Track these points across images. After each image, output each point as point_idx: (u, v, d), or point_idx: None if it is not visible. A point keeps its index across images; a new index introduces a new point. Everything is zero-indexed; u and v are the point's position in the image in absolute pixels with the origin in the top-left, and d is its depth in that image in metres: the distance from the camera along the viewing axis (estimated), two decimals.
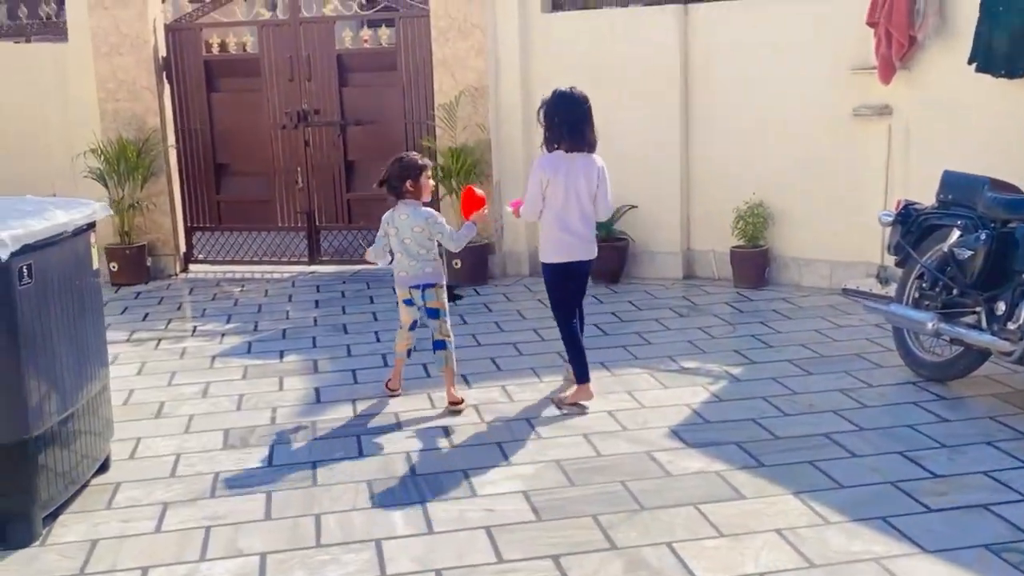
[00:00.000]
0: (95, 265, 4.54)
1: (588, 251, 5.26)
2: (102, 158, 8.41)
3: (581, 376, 5.25)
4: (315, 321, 7.17)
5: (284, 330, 6.94)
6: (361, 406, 5.37)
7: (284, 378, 5.87)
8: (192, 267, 9.11)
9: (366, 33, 8.92)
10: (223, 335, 6.86)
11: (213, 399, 5.56)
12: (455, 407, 5.24)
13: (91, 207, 4.47)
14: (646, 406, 5.23)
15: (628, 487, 4.27)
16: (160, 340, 6.78)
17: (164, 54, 8.79)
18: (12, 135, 8.77)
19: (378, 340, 6.59)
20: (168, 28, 8.82)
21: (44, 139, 8.77)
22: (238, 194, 9.03)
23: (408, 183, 5.25)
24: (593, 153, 5.23)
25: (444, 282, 5.36)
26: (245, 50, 8.98)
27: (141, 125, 8.64)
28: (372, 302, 7.66)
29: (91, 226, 4.48)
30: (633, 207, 7.97)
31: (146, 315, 7.51)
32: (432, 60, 8.22)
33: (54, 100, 8.72)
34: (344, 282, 8.40)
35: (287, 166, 8.79)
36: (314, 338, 6.70)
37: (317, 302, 7.74)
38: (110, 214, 4.61)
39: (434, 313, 5.30)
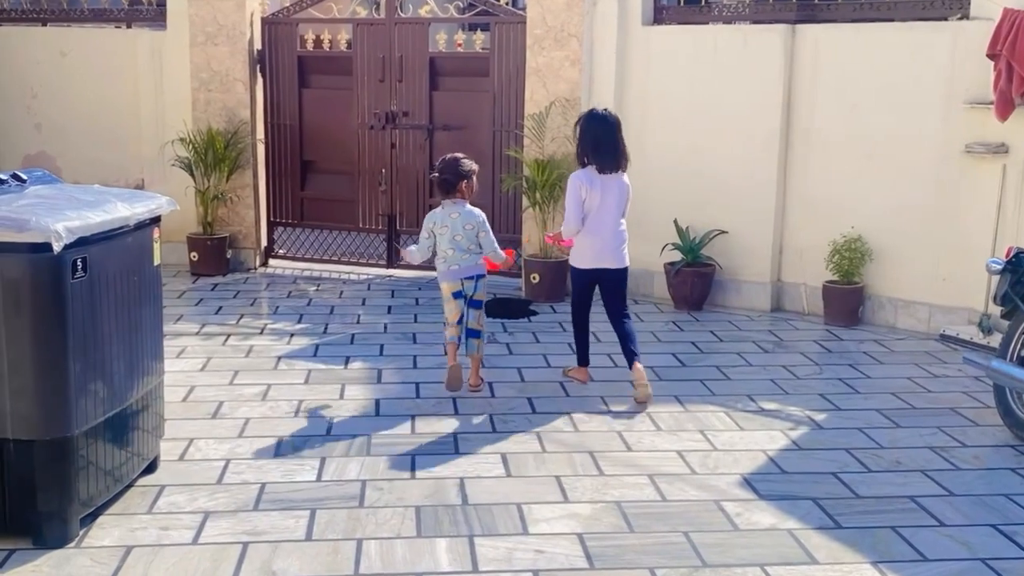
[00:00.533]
0: (157, 260, 4.42)
1: (618, 259, 5.72)
2: (191, 147, 8.42)
3: (581, 359, 5.87)
4: (385, 328, 7.01)
5: (353, 335, 6.80)
6: (420, 423, 5.17)
7: (346, 386, 5.71)
8: (272, 262, 9.06)
9: (460, 37, 8.76)
10: (292, 335, 6.75)
11: (272, 402, 5.43)
12: (475, 389, 5.65)
13: (157, 201, 4.35)
14: (719, 448, 4.91)
15: (691, 539, 3.97)
16: (229, 336, 6.70)
17: (259, 47, 8.77)
18: (106, 120, 8.85)
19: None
20: (265, 21, 8.79)
21: (137, 125, 8.83)
22: (322, 192, 8.95)
23: (463, 183, 5.66)
24: (623, 173, 5.68)
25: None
26: (339, 47, 8.90)
27: (232, 117, 8.63)
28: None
29: (155, 220, 4.36)
30: (723, 232, 7.63)
31: (219, 308, 7.45)
32: (525, 68, 8.02)
33: (149, 87, 8.77)
34: (420, 288, 8.24)
35: (372, 167, 8.68)
36: (382, 346, 6.55)
37: (390, 308, 7.60)
38: (176, 208, 4.48)
39: (478, 304, 5.69)
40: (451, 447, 4.87)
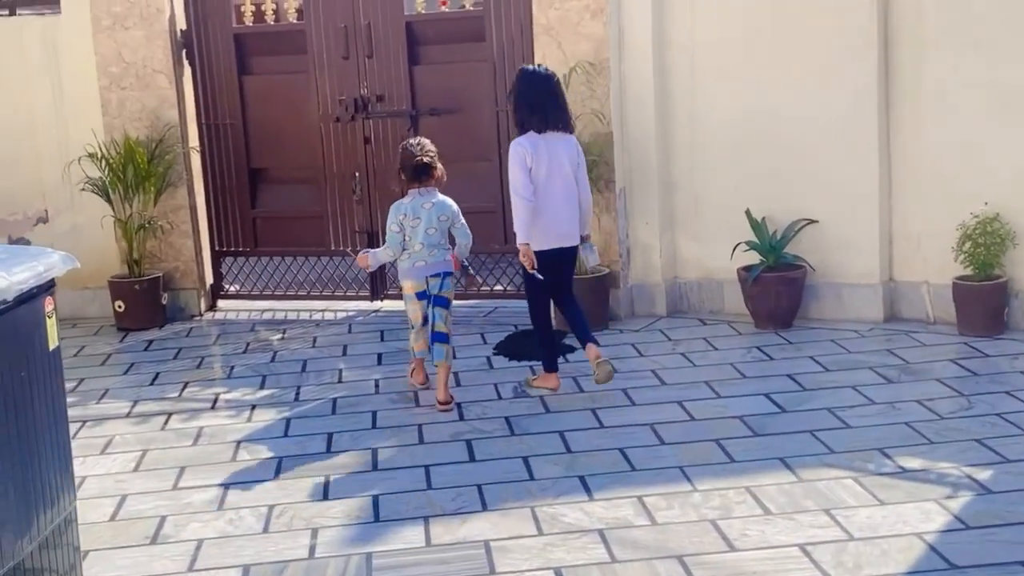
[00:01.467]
0: (54, 342, 3.80)
1: (574, 237, 5.99)
2: (104, 165, 7.81)
3: (549, 365, 6.13)
4: (376, 386, 6.39)
5: (334, 400, 6.18)
6: (437, 527, 4.54)
7: (331, 479, 5.09)
8: (221, 304, 8.46)
9: None
10: (253, 407, 6.13)
11: (232, 513, 4.80)
12: (444, 407, 5.88)
13: (45, 259, 3.75)
14: (856, 536, 4.27)
15: None
16: (170, 416, 6.08)
17: (183, 27, 8.17)
18: None
19: (462, 418, 5.78)
20: None
21: (32, 141, 8.23)
22: (279, 208, 8.33)
23: (439, 169, 5.98)
24: (570, 133, 6.01)
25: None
26: (287, 20, 8.28)
27: (154, 121, 8.02)
28: (454, 356, 6.85)
29: (47, 287, 3.75)
30: (811, 222, 7.02)
31: (156, 376, 6.84)
32: (532, 26, 7.40)
33: (44, 90, 8.17)
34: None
35: (342, 171, 8.07)
36: (374, 414, 5.92)
37: (380, 357, 6.97)
38: (75, 265, 3.89)
39: (444, 302, 5.99)
40: (484, 563, 4.23)
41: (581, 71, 7.24)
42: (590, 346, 5.92)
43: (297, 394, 6.33)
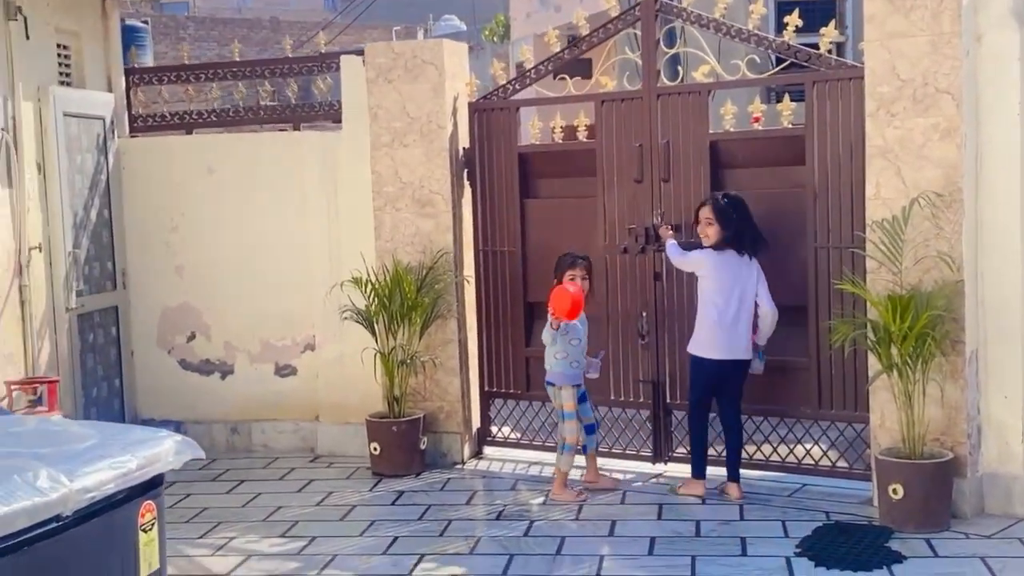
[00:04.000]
0: (150, 566, 2.61)
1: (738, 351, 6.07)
2: (369, 291, 6.84)
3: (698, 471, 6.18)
4: None
5: None
6: None
7: None
8: (487, 451, 7.25)
9: (758, 108, 6.68)
10: None
11: None
12: (555, 498, 6.24)
13: (150, 449, 2.61)
14: None
15: None
16: None
17: (465, 145, 7.17)
18: (266, 257, 7.51)
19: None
20: (473, 108, 7.17)
21: (305, 263, 7.42)
22: None
23: (555, 281, 6.34)
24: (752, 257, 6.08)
25: (564, 383, 6.29)
26: (575, 138, 7.09)
27: (427, 245, 7.01)
28: (744, 552, 5.25)
29: (146, 489, 2.59)
30: None
31: (392, 542, 5.63)
32: (865, 148, 5.83)
33: (318, 210, 7.36)
34: (703, 501, 6.07)
35: (627, 309, 6.71)
36: None
37: (652, 543, 5.46)
38: (201, 456, 2.77)
39: (560, 415, 6.37)
40: None
41: (925, 203, 5.59)
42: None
43: None
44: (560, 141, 7.07)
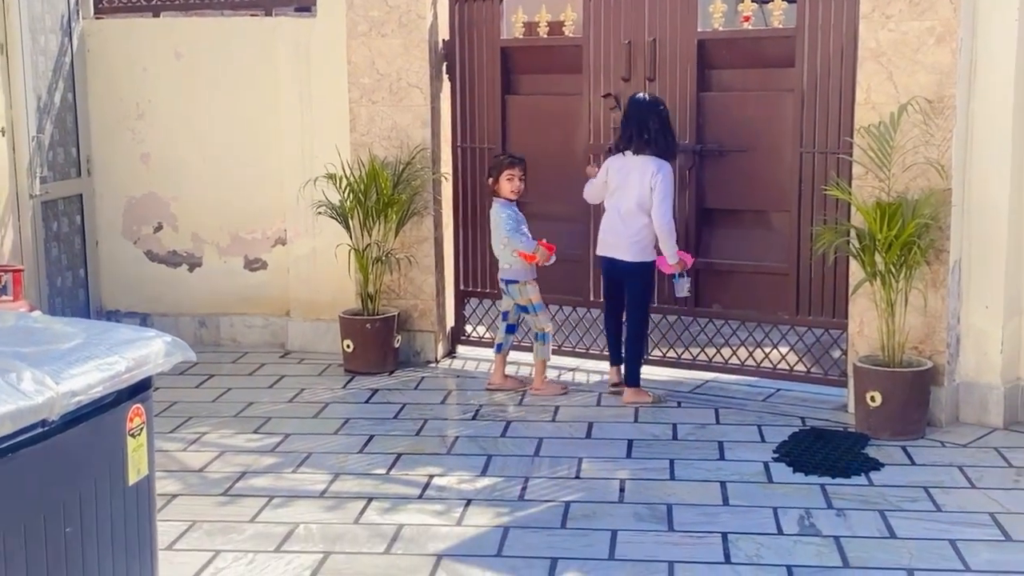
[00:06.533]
0: (136, 474, 2.53)
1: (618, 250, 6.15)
2: (344, 187, 6.70)
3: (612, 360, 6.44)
4: (621, 491, 4.87)
5: (567, 505, 4.70)
6: None
7: None
8: (461, 350, 7.21)
9: (748, 7, 6.51)
10: (468, 502, 4.76)
11: None
12: (536, 392, 6.28)
13: (139, 349, 2.50)
14: None
15: None
16: (370, 501, 4.78)
17: (445, 37, 6.96)
18: (237, 147, 7.31)
19: (727, 559, 4.20)
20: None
21: (277, 155, 7.23)
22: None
23: (490, 181, 6.37)
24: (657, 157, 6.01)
25: (527, 278, 6.31)
26: (562, 33, 6.90)
27: (404, 140, 6.85)
28: (722, 456, 5.29)
29: (136, 391, 2.49)
30: None
31: (368, 440, 5.60)
32: (857, 51, 5.72)
33: (291, 99, 7.15)
34: (679, 404, 6.09)
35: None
36: (614, 535, 4.39)
37: (630, 445, 5.46)
38: (192, 360, 2.67)
39: (523, 308, 6.36)
40: None
41: (917, 109, 5.51)
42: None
43: (523, 489, 4.90)
44: (545, 36, 6.89)
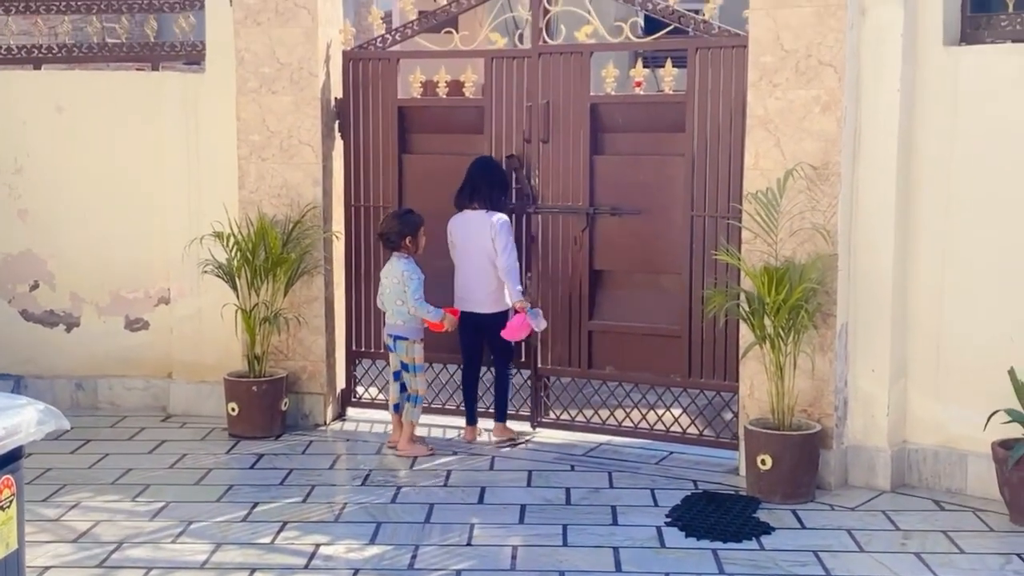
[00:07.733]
0: (11, 545, 2.40)
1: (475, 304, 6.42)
2: (232, 245, 6.57)
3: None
4: (513, 559, 4.80)
5: (458, 573, 4.64)
6: None
7: None
8: (351, 412, 7.09)
9: (640, 72, 6.63)
10: (356, 572, 4.64)
11: None
12: (402, 452, 6.29)
13: (14, 418, 2.40)
14: None
15: None
16: (253, 572, 4.63)
17: (338, 95, 6.92)
18: (120, 203, 7.13)
19: None
20: (348, 56, 6.93)
21: (161, 212, 7.07)
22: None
23: (408, 239, 6.32)
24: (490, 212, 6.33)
25: (417, 338, 6.34)
26: (462, 94, 6.88)
27: (295, 198, 6.76)
28: (615, 520, 5.26)
29: (11, 459, 2.37)
30: None
31: (252, 508, 5.43)
32: (745, 118, 5.85)
33: (179, 155, 7.02)
34: (573, 468, 6.06)
35: None
36: None
37: (523, 510, 5.41)
38: (66, 428, 2.55)
39: (404, 367, 6.38)
40: None
41: (802, 175, 5.64)
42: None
43: (413, 558, 4.79)
44: (445, 96, 6.89)
